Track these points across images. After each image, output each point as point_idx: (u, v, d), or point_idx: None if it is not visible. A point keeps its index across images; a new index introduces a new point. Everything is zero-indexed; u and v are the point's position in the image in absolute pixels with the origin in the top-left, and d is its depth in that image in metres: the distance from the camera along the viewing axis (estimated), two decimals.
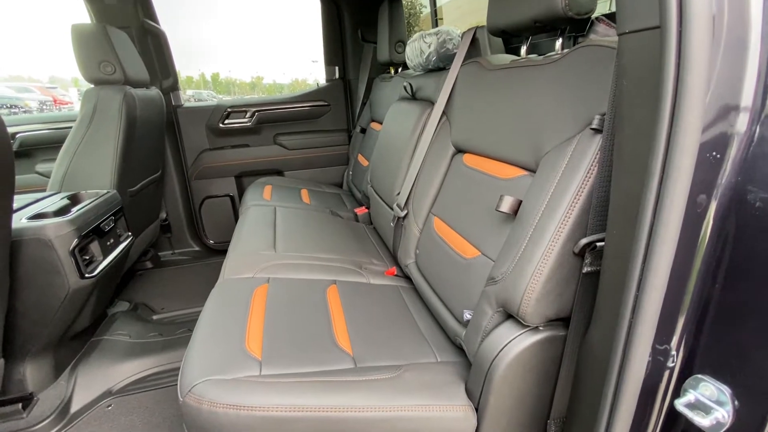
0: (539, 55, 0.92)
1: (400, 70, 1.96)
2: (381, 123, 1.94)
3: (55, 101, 12.26)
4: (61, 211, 1.20)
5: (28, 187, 2.03)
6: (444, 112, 1.17)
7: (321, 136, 2.42)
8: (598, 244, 0.60)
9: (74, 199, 1.33)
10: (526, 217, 0.70)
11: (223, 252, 2.38)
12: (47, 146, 2.06)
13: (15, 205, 1.22)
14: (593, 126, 0.62)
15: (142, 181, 1.75)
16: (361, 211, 1.80)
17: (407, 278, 1.24)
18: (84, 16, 1.86)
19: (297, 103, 2.35)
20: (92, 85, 1.50)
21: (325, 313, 0.96)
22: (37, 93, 12.27)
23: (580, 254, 0.63)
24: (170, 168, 2.17)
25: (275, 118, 2.32)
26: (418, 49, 1.36)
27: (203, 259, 2.31)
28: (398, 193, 1.32)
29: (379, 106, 2.01)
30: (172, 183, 2.20)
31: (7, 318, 1.07)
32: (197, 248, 2.37)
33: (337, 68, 2.36)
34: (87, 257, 1.21)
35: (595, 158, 0.61)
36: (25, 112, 11.05)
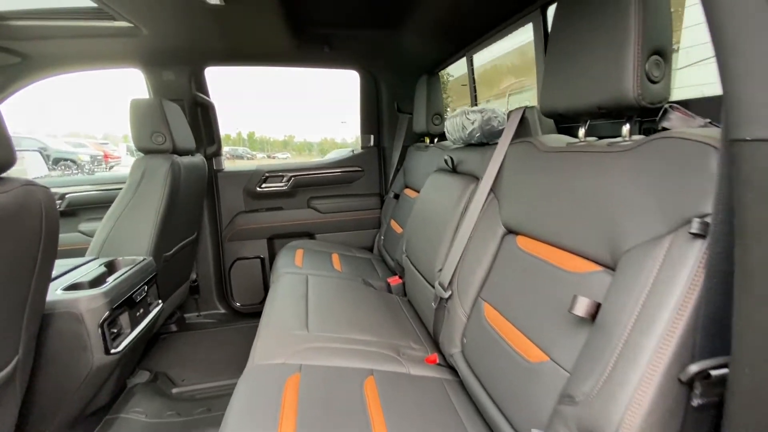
0: (598, 138, 0.87)
1: (436, 140, 1.97)
2: (416, 190, 1.92)
3: (105, 156, 13.25)
4: (97, 281, 1.18)
5: (69, 246, 2.08)
6: (491, 190, 1.12)
7: (354, 200, 2.42)
8: (713, 372, 0.49)
9: (111, 267, 1.32)
10: (610, 326, 0.60)
11: (249, 315, 2.33)
12: (92, 206, 2.14)
13: (54, 273, 1.22)
14: (693, 231, 0.54)
15: (177, 245, 1.76)
16: (394, 281, 1.71)
17: (450, 367, 1.11)
18: (134, 79, 2.01)
19: (332, 168, 2.39)
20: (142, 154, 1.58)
21: (363, 413, 0.85)
22: (90, 148, 13.33)
23: (688, 383, 0.52)
24: (206, 230, 2.20)
25: (310, 183, 2.36)
26: (459, 124, 1.36)
27: (229, 322, 2.24)
28: (440, 270, 1.24)
29: (414, 174, 2.01)
30: (205, 244, 2.21)
31: (25, 396, 1.01)
32: (224, 311, 2.31)
33: (372, 136, 2.42)
34: (115, 330, 1.17)
35: (700, 267, 0.53)
36: (77, 165, 12.01)
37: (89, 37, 1.59)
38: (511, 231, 1.01)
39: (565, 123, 1.11)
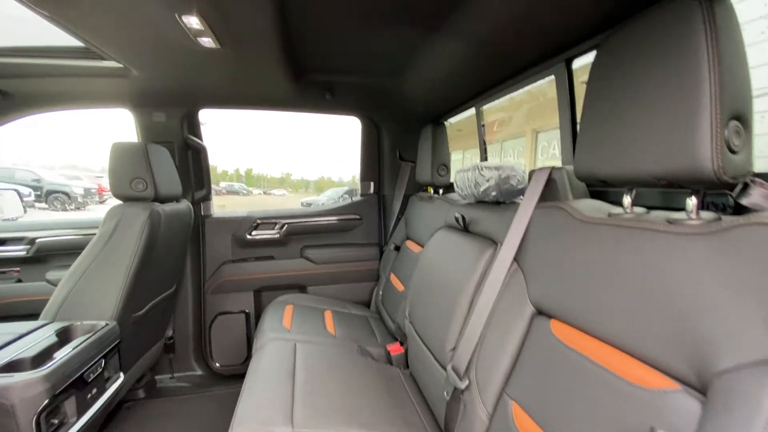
0: (647, 209, 0.74)
1: (441, 192, 1.86)
2: (419, 244, 1.77)
3: (99, 190, 13.09)
4: (42, 357, 0.98)
5: (33, 296, 1.87)
6: (515, 259, 0.97)
7: (350, 250, 2.26)
8: None
9: (65, 335, 1.12)
10: None
11: (229, 378, 2.08)
12: (64, 252, 1.95)
13: None
14: None
15: (152, 301, 1.56)
16: (395, 350, 1.51)
17: None
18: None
19: (328, 216, 2.25)
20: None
21: None
22: (85, 181, 13.20)
23: None
24: (187, 281, 2.00)
25: (304, 230, 2.21)
26: (472, 180, 1.24)
27: (206, 387, 1.98)
28: (452, 349, 1.06)
29: (417, 226, 1.87)
30: (185, 297, 2.01)
31: None
32: (200, 372, 2.06)
33: (372, 183, 2.31)
34: (56, 420, 0.95)
35: None
36: (70, 198, 11.82)
37: (76, 76, 1.49)
38: (541, 312, 0.85)
39: (600, 186, 0.98)
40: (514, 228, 0.97)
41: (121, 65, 1.39)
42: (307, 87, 1.71)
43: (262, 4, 0.92)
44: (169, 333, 1.98)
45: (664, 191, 0.84)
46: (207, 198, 2.08)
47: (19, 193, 2.30)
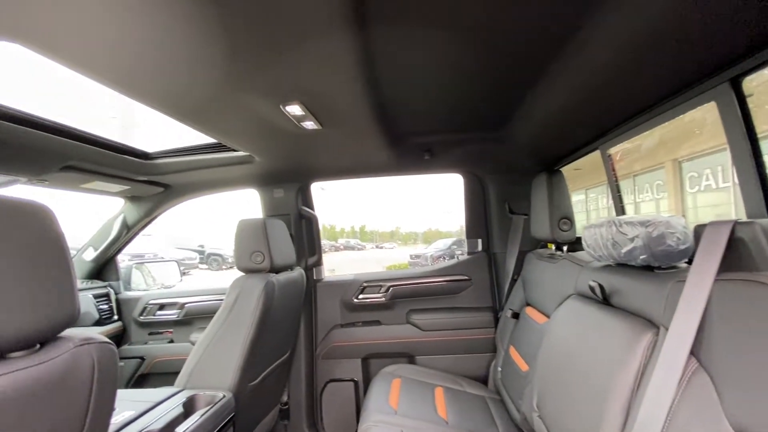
0: None
1: (565, 249, 1.58)
2: (543, 312, 1.49)
3: None
4: (167, 429, 1.04)
5: (180, 356, 2.14)
6: (693, 352, 0.69)
7: (460, 316, 2.06)
8: None
9: (189, 406, 1.19)
10: None
11: None
12: (205, 316, 2.22)
13: (134, 413, 1.12)
14: None
15: (267, 369, 1.61)
16: None
17: None
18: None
19: (435, 277, 2.12)
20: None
21: None
22: None
23: None
24: (300, 346, 2.06)
25: (410, 293, 2.11)
26: (607, 238, 0.99)
27: None
28: None
29: (539, 290, 1.60)
30: (299, 362, 2.05)
31: None
32: None
33: (480, 241, 2.13)
34: None
35: None
36: (223, 259, 14.25)
37: (215, 166, 1.77)
38: None
39: None
40: (686, 308, 0.70)
41: (246, 153, 1.60)
42: (406, 150, 1.71)
43: (352, 85, 0.94)
44: (284, 399, 2.01)
45: None
46: (318, 263, 2.17)
47: (177, 264, 2.77)
